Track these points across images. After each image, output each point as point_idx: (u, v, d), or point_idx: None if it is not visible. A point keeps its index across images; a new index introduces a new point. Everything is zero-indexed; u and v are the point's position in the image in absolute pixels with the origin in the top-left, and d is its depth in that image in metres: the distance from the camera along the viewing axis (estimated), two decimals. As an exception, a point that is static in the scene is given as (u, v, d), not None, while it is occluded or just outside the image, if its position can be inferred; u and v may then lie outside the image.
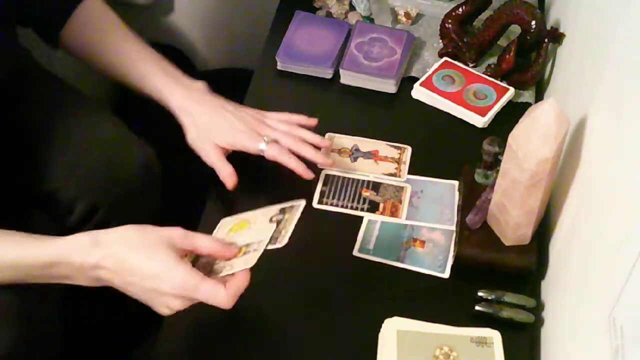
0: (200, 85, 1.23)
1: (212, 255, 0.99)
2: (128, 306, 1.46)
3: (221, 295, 0.94)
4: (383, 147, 1.28)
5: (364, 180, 1.23)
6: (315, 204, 1.20)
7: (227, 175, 1.17)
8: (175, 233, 0.96)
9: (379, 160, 1.26)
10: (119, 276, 0.95)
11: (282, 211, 1.03)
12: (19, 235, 0.98)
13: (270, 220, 1.02)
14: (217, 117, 1.19)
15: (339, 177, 1.24)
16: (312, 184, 1.21)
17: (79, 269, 0.96)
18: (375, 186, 1.22)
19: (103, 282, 0.97)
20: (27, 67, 1.32)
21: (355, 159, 1.27)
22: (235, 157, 1.21)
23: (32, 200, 1.27)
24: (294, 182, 1.20)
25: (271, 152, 1.18)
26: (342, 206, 1.20)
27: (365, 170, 1.25)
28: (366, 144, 1.29)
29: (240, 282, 0.95)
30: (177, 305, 0.96)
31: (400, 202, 1.20)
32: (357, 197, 1.21)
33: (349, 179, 1.24)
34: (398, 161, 1.26)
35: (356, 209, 1.19)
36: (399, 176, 1.24)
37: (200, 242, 0.97)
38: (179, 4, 1.95)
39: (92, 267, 0.95)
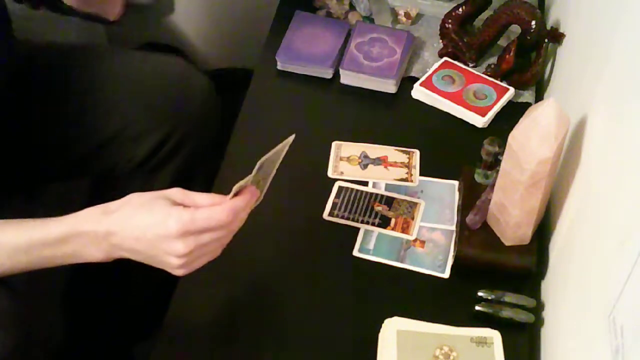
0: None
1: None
2: (128, 306, 1.47)
3: (217, 213, 0.94)
4: (392, 153, 1.27)
5: (377, 194, 1.21)
6: (325, 216, 1.19)
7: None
8: (174, 191, 0.98)
9: (389, 166, 1.25)
10: (127, 236, 0.96)
11: (260, 167, 0.99)
12: (26, 220, 0.99)
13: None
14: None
15: (352, 189, 1.22)
16: (325, 194, 1.21)
17: (92, 239, 0.96)
18: (389, 201, 1.21)
19: (115, 250, 0.97)
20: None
21: (365, 166, 1.26)
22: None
23: (104, 139, 1.31)
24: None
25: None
26: (352, 219, 1.18)
27: (377, 177, 1.24)
28: (374, 150, 1.28)
29: (239, 199, 0.95)
30: (182, 248, 0.94)
31: (413, 218, 1.18)
32: (369, 210, 1.19)
33: (362, 192, 1.22)
34: (408, 165, 1.25)
35: (367, 223, 1.18)
36: (411, 181, 1.23)
37: (198, 198, 0.97)
38: (179, 4, 1.95)
39: (104, 235, 0.96)
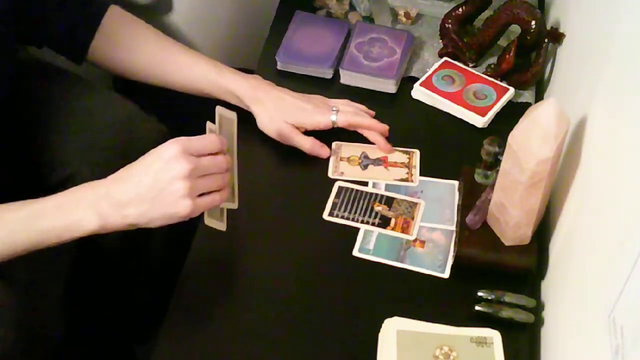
0: (257, 77, 1.29)
1: None
2: (129, 306, 1.47)
3: (209, 136, 0.99)
4: (392, 153, 1.28)
5: (377, 194, 1.21)
6: (325, 216, 1.19)
7: (314, 146, 1.24)
8: None
9: (389, 166, 1.25)
10: (129, 184, 0.97)
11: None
12: (22, 201, 0.99)
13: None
14: (284, 101, 1.25)
15: (352, 189, 1.22)
16: (325, 194, 1.21)
17: (90, 201, 0.97)
18: (389, 201, 1.20)
19: (116, 209, 0.97)
20: (31, 62, 1.33)
21: (365, 167, 1.25)
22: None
23: (48, 188, 1.27)
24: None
25: (343, 117, 1.25)
26: (352, 219, 1.18)
27: (377, 177, 1.24)
28: (375, 150, 1.28)
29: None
30: (184, 165, 0.95)
31: (413, 218, 1.18)
32: (368, 210, 1.19)
33: (362, 192, 1.22)
34: (408, 165, 1.25)
35: (367, 223, 1.17)
36: (411, 181, 1.23)
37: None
38: (179, 4, 1.95)
39: (104, 194, 0.97)
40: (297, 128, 1.24)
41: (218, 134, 1.03)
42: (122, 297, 1.45)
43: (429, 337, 1.04)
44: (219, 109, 1.02)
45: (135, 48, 1.26)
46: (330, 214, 1.19)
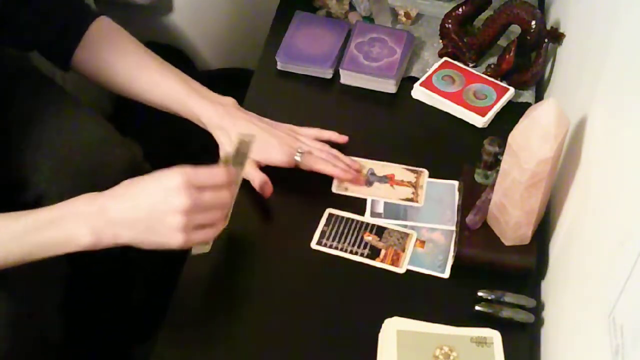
0: (229, 101, 1.23)
1: None
2: (129, 306, 1.47)
3: (217, 170, 0.97)
4: (399, 171, 1.25)
5: (367, 224, 1.18)
6: (313, 245, 1.15)
7: (262, 183, 1.17)
8: None
9: (395, 185, 1.23)
10: (124, 205, 0.95)
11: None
12: (16, 212, 0.98)
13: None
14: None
15: (342, 217, 1.18)
16: (314, 222, 1.18)
17: (85, 217, 0.95)
18: (379, 231, 1.17)
19: (109, 227, 0.96)
20: (8, 67, 1.30)
21: (370, 184, 1.23)
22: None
23: (20, 206, 1.26)
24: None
25: (307, 162, 1.19)
26: (340, 249, 1.14)
27: (381, 196, 1.21)
28: (382, 167, 1.25)
29: (231, 169, 0.99)
30: (183, 200, 0.93)
31: (404, 250, 1.14)
32: (358, 240, 1.16)
33: (353, 220, 1.18)
34: (415, 185, 1.22)
35: (355, 253, 1.14)
36: (417, 201, 1.21)
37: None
38: (179, 4, 1.95)
39: (98, 211, 0.95)
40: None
41: (232, 157, 1.03)
42: (121, 298, 1.45)
43: (429, 337, 1.04)
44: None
45: (114, 61, 1.23)
46: (318, 243, 1.15)
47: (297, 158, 1.19)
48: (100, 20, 1.25)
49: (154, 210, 0.95)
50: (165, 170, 0.95)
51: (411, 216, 1.19)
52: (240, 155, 1.06)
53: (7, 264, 0.98)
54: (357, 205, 1.20)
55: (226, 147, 1.19)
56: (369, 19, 1.49)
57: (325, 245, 1.15)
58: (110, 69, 1.23)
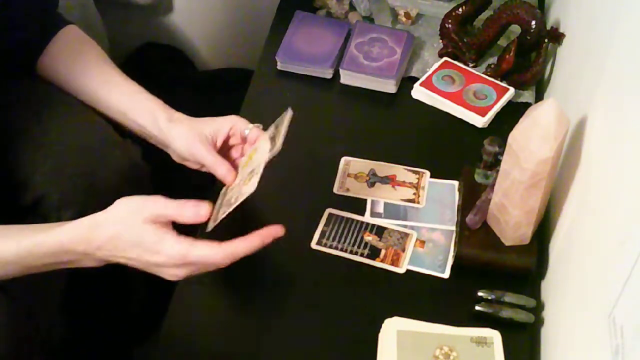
0: (181, 114, 1.19)
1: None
2: (129, 306, 1.47)
3: (214, 255, 0.96)
4: (401, 172, 1.25)
5: (367, 224, 1.18)
6: (313, 245, 1.15)
7: (226, 172, 1.12)
8: (158, 205, 0.97)
9: (397, 186, 1.23)
10: (120, 253, 0.97)
11: (275, 126, 1.06)
12: (9, 228, 0.99)
13: (270, 139, 1.05)
14: (199, 120, 1.16)
15: (342, 217, 1.18)
16: (314, 222, 1.18)
17: (83, 255, 0.98)
18: (379, 231, 1.17)
19: (109, 261, 0.99)
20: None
21: (372, 184, 1.23)
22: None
23: (21, 208, 1.26)
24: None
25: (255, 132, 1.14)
26: (341, 249, 1.14)
27: (382, 196, 1.21)
28: (383, 168, 1.25)
29: (237, 245, 0.96)
30: (181, 272, 0.97)
31: (404, 250, 1.14)
32: (358, 240, 1.16)
33: (353, 220, 1.18)
34: (416, 186, 1.22)
35: (355, 253, 1.14)
36: (418, 202, 1.21)
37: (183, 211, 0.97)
38: (179, 4, 1.95)
39: (95, 249, 0.97)
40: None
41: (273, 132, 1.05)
42: (120, 300, 1.45)
43: (429, 337, 1.04)
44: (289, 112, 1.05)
45: (76, 70, 1.23)
46: (318, 243, 1.16)
47: (249, 126, 1.13)
48: (69, 28, 1.25)
49: (150, 269, 0.98)
50: (155, 241, 0.95)
51: (411, 216, 1.19)
52: (280, 130, 1.06)
53: (8, 277, 1.00)
54: (357, 205, 1.20)
55: (176, 141, 1.15)
56: (369, 19, 1.49)
57: (325, 245, 1.15)
58: (72, 77, 1.23)
